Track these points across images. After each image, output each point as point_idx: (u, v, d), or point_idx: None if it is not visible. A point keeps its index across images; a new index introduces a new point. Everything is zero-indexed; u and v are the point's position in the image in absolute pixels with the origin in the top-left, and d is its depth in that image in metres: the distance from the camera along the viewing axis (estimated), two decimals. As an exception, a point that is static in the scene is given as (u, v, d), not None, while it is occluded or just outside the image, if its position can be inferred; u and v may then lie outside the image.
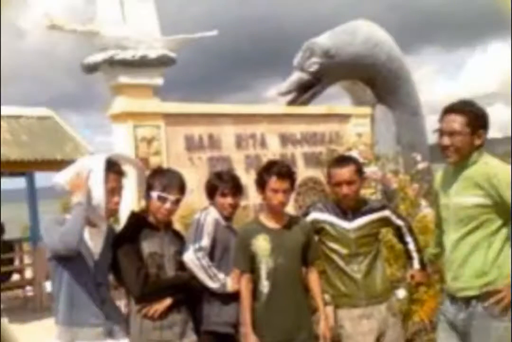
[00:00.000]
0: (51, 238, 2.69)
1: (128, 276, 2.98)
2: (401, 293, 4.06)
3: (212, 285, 3.23)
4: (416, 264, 3.35)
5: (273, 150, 6.64)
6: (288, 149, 6.81)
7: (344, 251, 3.23)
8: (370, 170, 5.25)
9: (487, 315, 2.71)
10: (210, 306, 3.29)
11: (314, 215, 3.32)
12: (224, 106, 6.68)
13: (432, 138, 3.78)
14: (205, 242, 3.26)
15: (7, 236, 10.17)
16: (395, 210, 3.67)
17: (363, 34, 8.15)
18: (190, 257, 3.17)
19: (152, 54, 5.76)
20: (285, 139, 6.79)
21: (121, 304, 3.25)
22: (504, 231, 2.75)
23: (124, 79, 5.69)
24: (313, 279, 3.26)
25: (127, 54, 5.63)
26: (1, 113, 8.16)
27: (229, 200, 3.45)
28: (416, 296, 4.28)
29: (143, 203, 3.38)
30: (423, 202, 5.33)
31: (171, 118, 5.82)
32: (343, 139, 7.06)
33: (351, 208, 3.26)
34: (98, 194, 2.79)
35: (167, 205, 3.09)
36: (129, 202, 4.43)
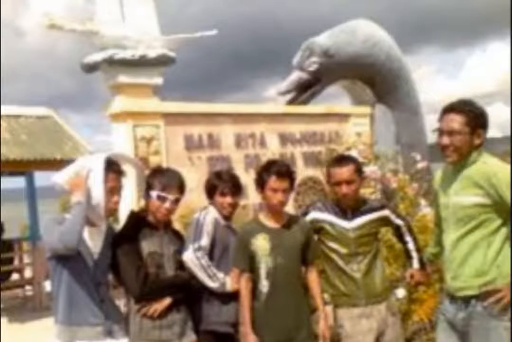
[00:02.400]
0: (51, 238, 2.69)
1: (127, 276, 2.97)
2: (401, 292, 4.06)
3: (212, 284, 3.23)
4: (415, 264, 3.35)
5: (273, 149, 6.64)
6: (287, 148, 6.81)
7: (343, 250, 3.23)
8: (370, 169, 5.25)
9: (486, 314, 2.71)
10: (209, 305, 3.29)
11: (313, 215, 3.32)
12: (224, 105, 6.68)
13: (431, 137, 3.78)
14: (205, 241, 3.26)
15: (6, 235, 10.18)
16: (394, 209, 3.67)
17: (362, 33, 8.15)
18: (189, 257, 3.17)
19: (152, 53, 5.76)
20: (284, 139, 6.79)
21: (121, 303, 3.25)
22: (504, 231, 2.75)
23: (123, 78, 5.69)
24: (313, 278, 3.26)
25: (127, 54, 5.63)
26: (1, 112, 8.16)
27: (228, 199, 3.45)
28: (415, 295, 4.29)
29: (142, 202, 3.38)
30: (423, 201, 5.33)
31: (171, 118, 5.82)
32: (343, 139, 7.07)
33: (350, 207, 3.27)
34: (98, 193, 2.79)
35: (167, 205, 3.09)
36: (129, 201, 4.43)
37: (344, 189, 3.20)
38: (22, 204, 9.79)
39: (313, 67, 7.71)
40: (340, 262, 3.23)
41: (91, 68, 5.78)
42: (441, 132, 2.81)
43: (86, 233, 2.84)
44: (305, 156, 6.94)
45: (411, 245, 3.39)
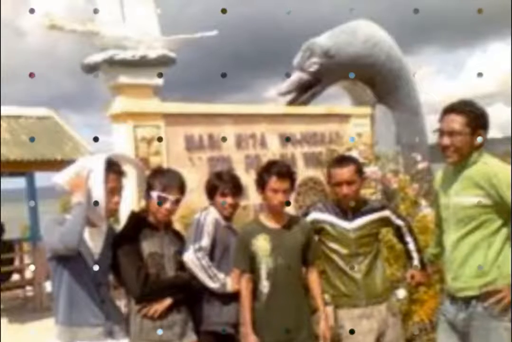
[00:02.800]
0: (51, 238, 2.68)
1: (128, 276, 2.97)
2: (401, 293, 4.06)
3: (212, 285, 3.22)
4: (416, 264, 3.35)
5: (273, 150, 6.64)
6: (288, 149, 6.81)
7: (344, 251, 3.23)
8: (370, 170, 5.25)
9: (487, 315, 2.71)
10: (210, 306, 3.29)
11: (314, 215, 3.32)
12: (224, 106, 6.68)
13: (432, 138, 3.78)
14: (205, 242, 3.26)
15: (7, 236, 10.18)
16: (395, 210, 3.66)
17: (363, 34, 8.15)
18: (190, 257, 3.17)
19: (152, 54, 5.77)
20: (285, 139, 6.79)
21: (121, 304, 3.25)
22: (504, 231, 2.75)
23: (124, 79, 5.70)
24: (313, 279, 3.26)
25: (127, 54, 5.64)
26: (1, 113, 8.16)
27: (229, 200, 3.45)
28: (416, 296, 4.28)
29: (143, 203, 3.38)
30: (423, 202, 5.33)
31: (171, 118, 5.82)
32: (343, 140, 7.07)
33: (351, 208, 3.26)
34: (98, 194, 2.79)
35: (167, 205, 3.09)
36: (129, 202, 4.43)
37: (345, 189, 3.19)
38: (23, 204, 9.79)
39: (313, 68, 7.72)
40: (341, 263, 3.23)
41: (91, 68, 5.79)
42: (441, 132, 2.81)
43: (87, 234, 2.84)
44: (305, 157, 6.94)
45: (411, 246, 3.39)
